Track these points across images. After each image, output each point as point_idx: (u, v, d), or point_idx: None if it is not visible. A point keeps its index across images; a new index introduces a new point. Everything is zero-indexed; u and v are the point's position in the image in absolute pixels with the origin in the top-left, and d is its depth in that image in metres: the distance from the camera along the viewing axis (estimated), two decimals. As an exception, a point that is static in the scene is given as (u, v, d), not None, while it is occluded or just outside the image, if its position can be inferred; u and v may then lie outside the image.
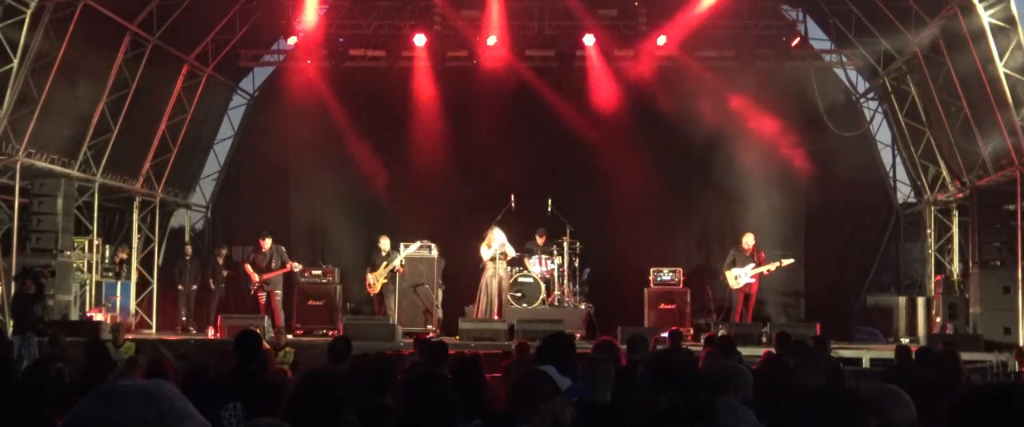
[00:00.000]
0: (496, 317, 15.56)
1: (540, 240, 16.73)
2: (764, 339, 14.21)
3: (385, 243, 16.02)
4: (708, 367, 6.43)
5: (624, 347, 8.31)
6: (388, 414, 4.77)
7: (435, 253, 16.72)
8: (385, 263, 15.80)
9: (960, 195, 16.32)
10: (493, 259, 15.70)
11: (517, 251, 16.62)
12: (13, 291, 13.55)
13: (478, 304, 15.97)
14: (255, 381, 5.64)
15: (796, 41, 17.82)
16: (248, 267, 15.95)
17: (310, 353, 12.39)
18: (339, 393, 3.92)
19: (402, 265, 15.88)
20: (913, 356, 9.19)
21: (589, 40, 17.85)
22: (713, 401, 4.71)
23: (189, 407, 1.71)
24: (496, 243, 15.85)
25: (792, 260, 16.02)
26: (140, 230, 18.34)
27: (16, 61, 13.22)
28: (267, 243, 15.91)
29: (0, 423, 4.89)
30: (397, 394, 4.90)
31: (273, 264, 15.78)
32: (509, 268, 16.23)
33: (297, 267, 16.10)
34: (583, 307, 16.79)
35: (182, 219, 20.22)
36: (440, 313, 16.70)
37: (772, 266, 15.71)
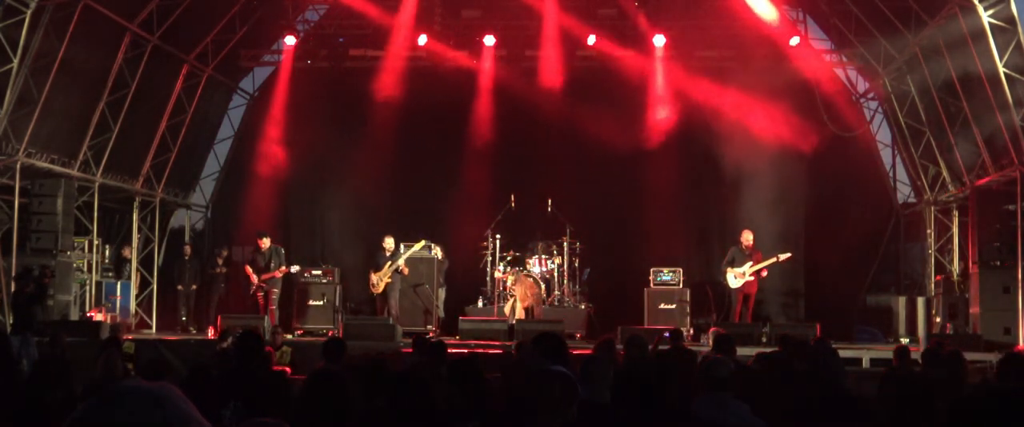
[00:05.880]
0: (537, 317, 15.49)
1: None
2: (764, 339, 14.21)
3: (390, 242, 16.01)
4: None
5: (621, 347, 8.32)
6: (382, 415, 4.78)
7: (435, 253, 16.72)
8: (389, 263, 15.80)
9: (960, 194, 16.33)
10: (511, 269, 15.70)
11: (517, 251, 16.68)
12: (13, 291, 13.55)
13: (515, 310, 15.84)
14: (255, 381, 5.65)
15: (796, 41, 17.81)
16: (248, 268, 15.97)
17: (309, 353, 12.39)
18: (346, 393, 3.94)
19: (405, 265, 15.88)
20: (920, 357, 9.18)
21: (590, 40, 17.86)
22: (703, 400, 4.73)
23: (193, 410, 1.71)
24: (516, 294, 15.71)
25: (788, 254, 16.03)
26: (140, 230, 18.35)
27: (16, 61, 13.23)
28: (265, 243, 15.92)
29: (6, 421, 4.90)
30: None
31: (272, 264, 15.79)
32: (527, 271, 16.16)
33: (295, 268, 16.11)
34: (583, 307, 16.80)
35: (182, 219, 20.24)
36: (441, 313, 16.70)
37: (770, 261, 15.71)
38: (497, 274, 16.51)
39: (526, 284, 15.76)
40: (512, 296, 15.89)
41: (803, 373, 6.91)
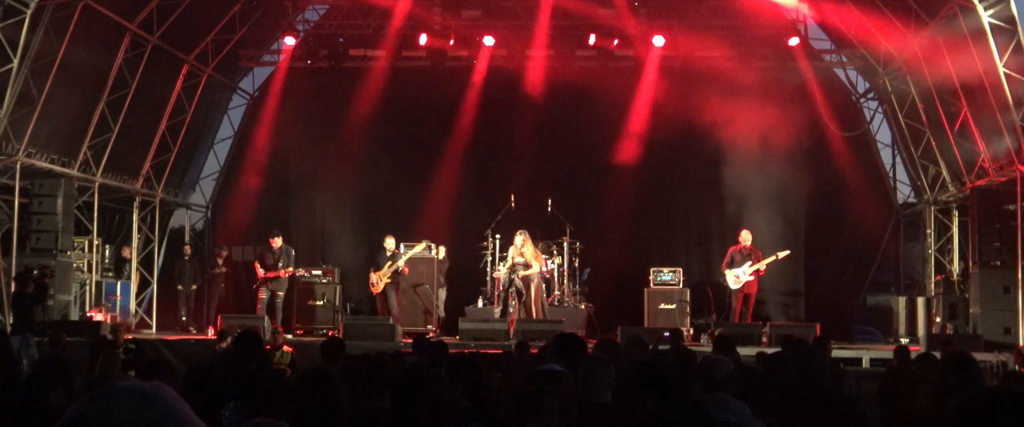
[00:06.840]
0: (539, 316, 15.35)
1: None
2: (764, 339, 14.21)
3: (390, 243, 16.01)
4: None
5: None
6: (382, 415, 4.77)
7: (435, 253, 16.71)
8: (389, 263, 15.79)
9: (960, 194, 16.33)
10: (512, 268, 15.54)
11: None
12: (13, 291, 13.55)
13: (518, 311, 15.65)
14: (255, 381, 5.65)
15: (796, 41, 17.81)
16: (257, 264, 16.00)
17: (309, 353, 12.38)
18: (338, 391, 3.94)
19: (405, 265, 15.87)
20: (917, 358, 9.18)
21: (590, 40, 17.85)
22: (703, 400, 4.72)
23: (187, 410, 1.70)
24: (527, 254, 15.38)
25: (788, 251, 16.04)
26: (140, 230, 18.35)
27: (16, 61, 13.23)
28: (277, 242, 15.95)
29: (6, 421, 4.89)
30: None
31: (281, 264, 15.81)
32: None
33: (300, 272, 16.14)
34: (583, 307, 16.79)
35: (182, 219, 20.23)
36: (441, 313, 16.69)
37: (769, 260, 15.72)
38: (497, 274, 16.46)
39: (535, 246, 15.46)
40: (522, 255, 15.36)
41: (799, 374, 6.90)
